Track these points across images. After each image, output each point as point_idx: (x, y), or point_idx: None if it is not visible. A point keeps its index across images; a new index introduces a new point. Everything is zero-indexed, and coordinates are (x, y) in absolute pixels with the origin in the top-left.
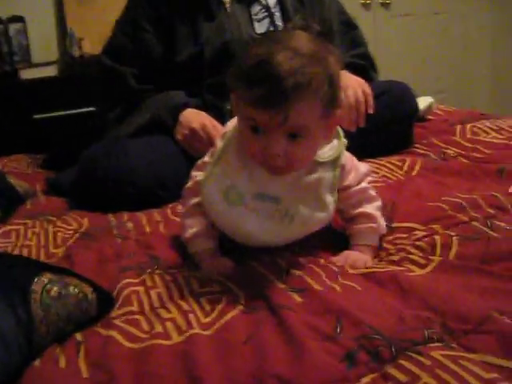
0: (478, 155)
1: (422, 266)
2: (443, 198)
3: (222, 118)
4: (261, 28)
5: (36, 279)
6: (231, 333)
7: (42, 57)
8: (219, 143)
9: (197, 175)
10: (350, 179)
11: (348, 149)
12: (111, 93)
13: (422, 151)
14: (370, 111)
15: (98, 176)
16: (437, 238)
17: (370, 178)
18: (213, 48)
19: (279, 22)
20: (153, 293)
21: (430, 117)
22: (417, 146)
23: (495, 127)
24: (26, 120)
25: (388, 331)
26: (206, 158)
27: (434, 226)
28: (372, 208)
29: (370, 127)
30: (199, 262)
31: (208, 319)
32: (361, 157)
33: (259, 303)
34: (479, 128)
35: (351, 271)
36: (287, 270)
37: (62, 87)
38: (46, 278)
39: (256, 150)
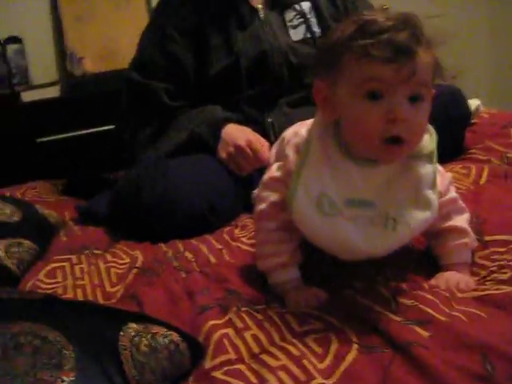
0: None
1: None
2: None
3: (264, 132)
4: (297, 35)
5: (122, 332)
6: (359, 379)
7: (42, 78)
8: (291, 154)
9: (269, 195)
10: (439, 185)
11: None
12: (142, 111)
13: (482, 157)
14: None
15: (142, 203)
16: None
17: (454, 188)
18: (249, 58)
19: (316, 29)
20: (247, 335)
21: (477, 120)
22: (473, 151)
23: None
24: (29, 144)
25: None
26: (277, 174)
27: None
28: (463, 221)
29: None
30: (284, 294)
31: (325, 364)
32: None
33: (376, 340)
34: None
35: (460, 295)
36: (393, 298)
37: (65, 108)
38: (131, 329)
39: (376, 122)
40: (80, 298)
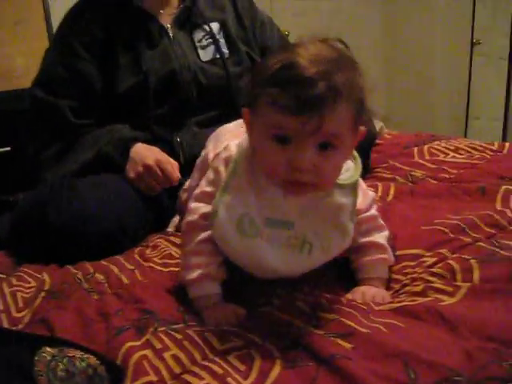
0: (447, 176)
1: (451, 294)
2: (436, 221)
3: (173, 151)
4: (206, 55)
5: (37, 357)
6: None
7: None
8: (222, 168)
9: (199, 207)
10: (361, 204)
11: None
12: (45, 129)
13: (387, 175)
14: None
15: (49, 223)
16: (452, 262)
17: (376, 206)
18: (158, 77)
19: (225, 49)
20: (167, 356)
21: (380, 141)
22: (378, 170)
23: (452, 147)
24: None
25: (466, 370)
26: (207, 188)
27: (441, 251)
28: (382, 238)
29: None
30: (203, 310)
31: (249, 381)
32: None
33: (299, 354)
34: (436, 149)
35: (377, 308)
36: (313, 312)
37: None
38: (46, 353)
39: (280, 165)
40: None
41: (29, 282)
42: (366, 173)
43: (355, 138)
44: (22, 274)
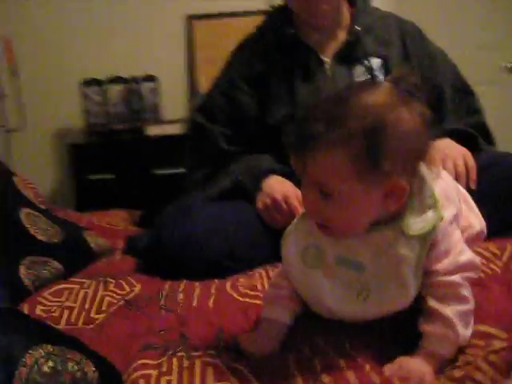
0: None
1: None
2: None
3: None
4: None
5: (31, 350)
6: None
7: (171, 115)
8: None
9: None
10: (441, 265)
11: None
12: (199, 152)
13: None
14: (472, 186)
15: (163, 241)
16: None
17: (470, 274)
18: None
19: None
20: (163, 380)
21: None
22: None
23: None
24: (146, 175)
25: None
26: None
27: None
28: (452, 311)
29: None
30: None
31: None
32: None
33: None
34: None
35: None
36: (320, 372)
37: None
38: (44, 349)
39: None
40: (64, 318)
41: (123, 289)
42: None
43: (384, 189)
44: (123, 281)
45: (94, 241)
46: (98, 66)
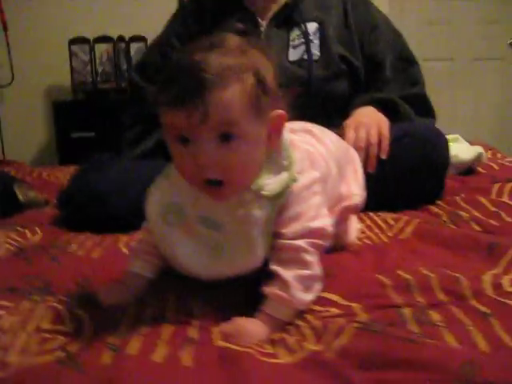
0: (495, 223)
1: (292, 352)
2: (398, 272)
3: None
4: (294, 55)
5: None
6: None
7: None
8: None
9: None
10: (289, 229)
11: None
12: (132, 110)
13: (436, 210)
14: (382, 156)
15: (70, 195)
16: (339, 320)
17: (318, 241)
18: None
19: (316, 51)
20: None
21: (480, 169)
22: (439, 203)
23: None
24: None
25: None
26: None
27: (354, 305)
28: (292, 275)
29: (387, 175)
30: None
31: None
32: (377, 209)
33: None
34: None
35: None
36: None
37: None
38: None
39: (188, 166)
40: None
41: (24, 238)
42: (434, 200)
43: (266, 123)
44: (27, 230)
45: (23, 193)
46: (88, 24)
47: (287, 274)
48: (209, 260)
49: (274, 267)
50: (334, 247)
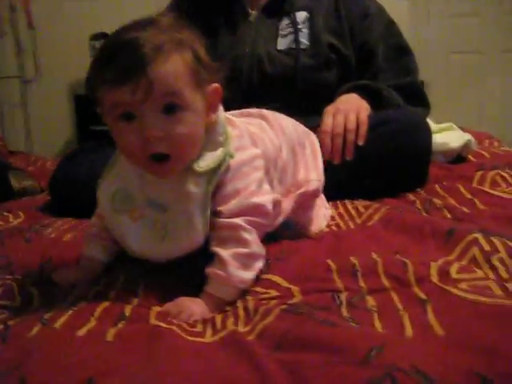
0: (466, 210)
1: (216, 332)
2: (351, 257)
3: None
4: (283, 44)
5: None
6: None
7: None
8: None
9: None
10: (226, 206)
11: (335, 185)
12: None
13: (413, 198)
14: (359, 142)
15: (54, 180)
16: (271, 303)
17: (257, 219)
18: (225, 62)
19: (304, 40)
20: None
21: (471, 157)
22: (418, 190)
23: None
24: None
25: None
26: None
27: (293, 288)
28: (229, 253)
29: (365, 163)
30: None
31: None
32: (353, 197)
33: None
34: (502, 177)
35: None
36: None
37: None
38: None
39: (133, 143)
40: None
41: (6, 221)
42: (415, 188)
43: (204, 97)
44: (10, 214)
45: (18, 181)
46: (107, 20)
47: (225, 252)
48: (155, 242)
49: (214, 247)
50: (299, 235)
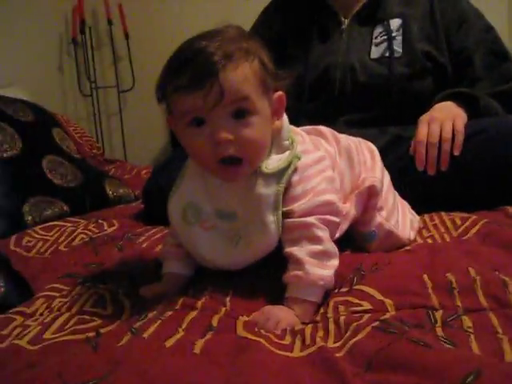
0: None
1: (305, 346)
2: (447, 274)
3: None
4: (376, 53)
5: None
6: None
7: None
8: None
9: None
10: (297, 205)
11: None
12: None
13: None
14: (455, 152)
15: (145, 190)
16: (363, 317)
17: (328, 217)
18: (316, 71)
19: (398, 48)
20: (57, 300)
21: None
22: (505, 204)
23: None
24: None
25: None
26: None
27: (387, 301)
28: (305, 252)
29: (460, 173)
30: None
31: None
32: (448, 209)
33: None
34: None
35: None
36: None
37: None
38: None
39: (203, 147)
40: (36, 248)
41: (101, 229)
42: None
43: (271, 103)
44: (105, 222)
45: (114, 189)
46: (202, 29)
47: (299, 251)
48: (229, 250)
49: (287, 249)
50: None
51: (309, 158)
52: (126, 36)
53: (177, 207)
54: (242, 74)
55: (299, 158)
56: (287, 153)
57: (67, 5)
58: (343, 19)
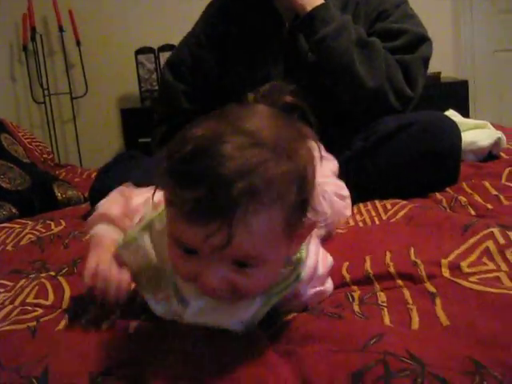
0: (490, 207)
1: None
2: (366, 258)
3: None
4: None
5: None
6: None
7: None
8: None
9: None
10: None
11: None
12: (160, 109)
13: (440, 197)
14: None
15: (90, 192)
16: None
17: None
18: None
19: None
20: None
21: (503, 155)
22: (446, 189)
23: None
24: None
25: None
26: None
27: None
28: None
29: (394, 167)
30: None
31: None
32: (393, 197)
33: None
34: None
35: None
36: None
37: None
38: None
39: (188, 274)
40: None
41: (48, 229)
42: (446, 187)
43: (291, 242)
44: (52, 222)
45: (63, 191)
46: (152, 34)
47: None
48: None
49: None
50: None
51: (305, 273)
52: (78, 43)
53: (135, 259)
54: (263, 224)
55: (299, 279)
56: (288, 271)
57: (17, 12)
58: (288, 25)
